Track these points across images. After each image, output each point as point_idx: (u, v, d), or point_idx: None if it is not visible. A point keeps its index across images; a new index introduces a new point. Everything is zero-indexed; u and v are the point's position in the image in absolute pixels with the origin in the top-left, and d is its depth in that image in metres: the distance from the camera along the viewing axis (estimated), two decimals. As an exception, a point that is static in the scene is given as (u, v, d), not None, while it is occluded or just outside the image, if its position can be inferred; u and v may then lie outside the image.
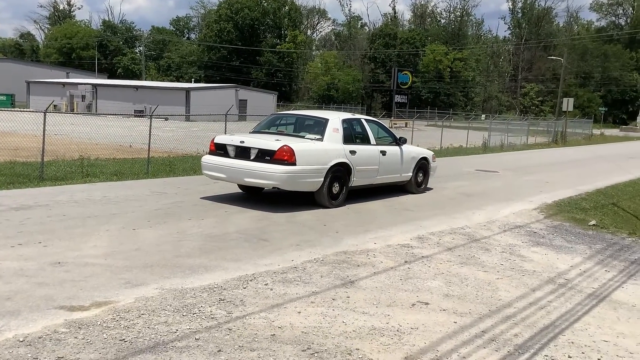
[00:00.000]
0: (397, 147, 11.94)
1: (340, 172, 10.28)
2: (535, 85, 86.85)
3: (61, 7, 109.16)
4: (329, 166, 9.97)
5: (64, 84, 56.94)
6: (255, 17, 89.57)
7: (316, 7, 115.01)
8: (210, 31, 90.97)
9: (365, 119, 11.73)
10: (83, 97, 52.31)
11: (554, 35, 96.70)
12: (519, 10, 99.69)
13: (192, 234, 7.81)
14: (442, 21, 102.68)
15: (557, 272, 7.09)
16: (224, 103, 38.17)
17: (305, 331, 4.74)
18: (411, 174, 12.40)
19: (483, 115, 71.80)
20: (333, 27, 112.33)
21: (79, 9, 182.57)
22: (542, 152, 29.82)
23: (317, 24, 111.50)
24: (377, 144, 11.36)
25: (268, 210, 9.71)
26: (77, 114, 41.04)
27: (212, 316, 4.94)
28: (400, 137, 12.24)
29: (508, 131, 32.94)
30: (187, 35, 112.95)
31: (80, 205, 9.29)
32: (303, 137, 10.48)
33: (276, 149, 9.48)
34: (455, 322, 5.19)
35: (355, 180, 10.70)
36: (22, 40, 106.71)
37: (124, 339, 4.34)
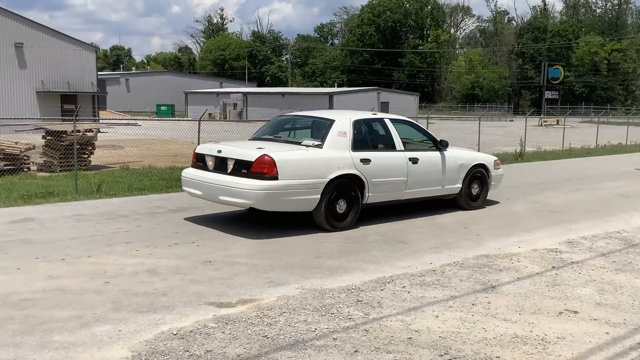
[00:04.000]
0: (436, 153, 9.59)
1: (346, 186, 8.22)
2: None
3: (215, 21, 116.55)
4: (328, 179, 7.91)
5: (217, 93, 60.65)
6: (397, 19, 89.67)
7: (460, 4, 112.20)
8: (353, 36, 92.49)
9: (391, 119, 9.43)
10: (235, 105, 55.42)
11: None
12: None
13: (332, 235, 7.99)
14: (598, 11, 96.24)
15: None
16: (366, 106, 38.57)
17: (443, 336, 4.67)
18: (460, 185, 9.87)
19: (646, 110, 66.02)
20: (478, 23, 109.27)
21: (231, 21, 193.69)
22: None
23: (461, 21, 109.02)
24: (405, 150, 9.10)
25: (406, 212, 9.66)
26: (230, 121, 43.53)
27: (350, 317, 5.02)
28: (441, 140, 9.76)
29: (675, 126, 30.01)
30: (330, 41, 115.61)
31: (229, 207, 9.86)
32: (299, 143, 8.51)
33: (253, 160, 7.65)
34: (608, 333, 4.83)
35: (372, 196, 8.56)
36: (180, 54, 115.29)
37: (266, 336, 4.55)
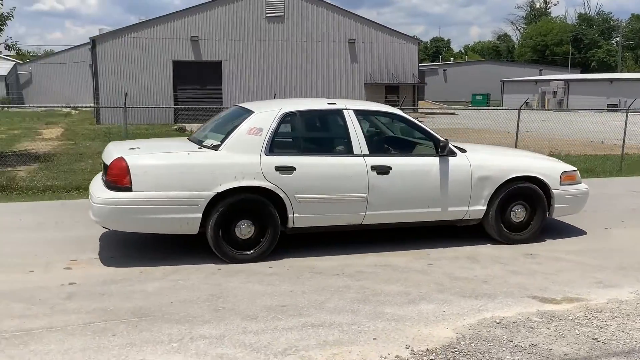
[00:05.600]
0: (431, 160, 6.63)
1: (253, 203, 6.05)
2: None
3: (537, 6, 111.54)
4: (214, 193, 5.86)
5: (536, 81, 58.15)
6: None
7: None
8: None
9: (359, 110, 6.67)
10: (554, 93, 52.49)
11: None
12: None
13: None
14: None
15: None
16: None
17: None
18: (482, 207, 6.76)
19: None
20: None
21: (555, 4, 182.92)
22: None
23: None
24: (371, 154, 6.42)
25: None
26: (548, 110, 41.42)
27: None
28: (443, 142, 6.62)
29: None
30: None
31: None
32: (201, 142, 6.45)
33: (109, 165, 5.98)
34: None
35: (302, 219, 6.19)
36: (499, 42, 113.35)
37: (596, 338, 4.27)
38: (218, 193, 5.85)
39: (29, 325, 4.41)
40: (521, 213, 6.91)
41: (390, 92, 34.72)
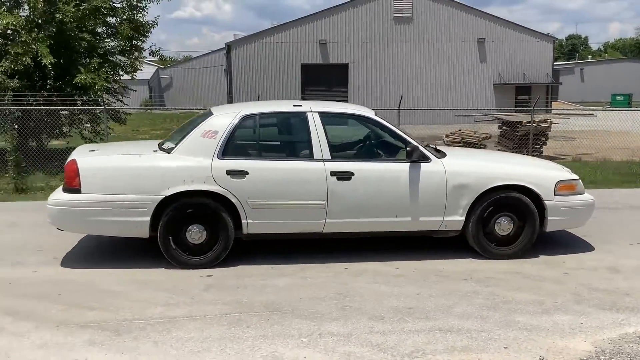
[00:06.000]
0: (399, 166, 6.12)
1: (203, 208, 5.87)
2: None
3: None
4: (162, 196, 5.73)
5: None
6: None
7: None
8: None
9: (325, 113, 6.27)
10: None
11: None
12: None
13: None
14: None
15: None
16: None
17: None
18: (460, 217, 6.17)
19: None
20: None
21: None
22: None
23: None
24: (333, 159, 6.02)
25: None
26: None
27: None
28: (414, 147, 6.09)
29: None
30: None
31: None
32: (161, 145, 6.35)
33: (64, 167, 6.03)
34: None
35: (257, 225, 5.95)
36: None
37: None
38: (166, 197, 5.74)
39: (172, 313, 4.74)
40: (507, 225, 6.26)
41: (521, 92, 33.33)
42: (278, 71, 31.90)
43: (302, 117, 6.22)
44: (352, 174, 5.98)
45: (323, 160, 6.00)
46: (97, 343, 4.17)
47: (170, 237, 5.85)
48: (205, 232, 5.91)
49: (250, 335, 4.29)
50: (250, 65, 31.93)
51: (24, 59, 12.42)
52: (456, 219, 6.17)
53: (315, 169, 5.96)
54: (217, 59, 49.23)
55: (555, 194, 6.26)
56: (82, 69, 13.17)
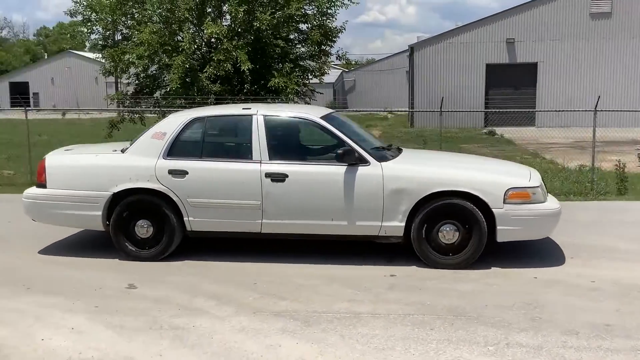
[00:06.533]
0: (334, 169, 6.00)
1: (148, 204, 6.27)
2: None
3: None
4: (111, 193, 6.21)
5: None
6: None
7: None
8: None
9: (267, 116, 6.33)
10: None
11: None
12: None
13: None
14: None
15: None
16: None
17: None
18: (399, 223, 5.87)
19: None
20: None
21: None
22: None
23: None
24: (272, 161, 6.10)
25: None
26: None
27: None
28: (348, 150, 5.94)
29: None
30: None
31: None
32: (125, 147, 6.70)
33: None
34: None
35: (198, 223, 6.22)
36: None
37: None
38: (114, 193, 6.21)
39: (357, 309, 4.88)
40: (451, 234, 5.89)
41: None
42: (460, 72, 31.24)
43: (247, 120, 6.41)
44: (287, 175, 6.08)
45: (260, 162, 6.15)
46: (289, 331, 4.43)
47: (121, 232, 6.33)
48: (152, 228, 6.32)
49: (434, 338, 4.28)
50: (432, 66, 31.67)
51: (225, 65, 13.58)
52: (395, 225, 5.99)
53: (250, 170, 6.14)
54: (399, 61, 49.54)
55: (505, 202, 5.82)
56: (275, 74, 14.05)
